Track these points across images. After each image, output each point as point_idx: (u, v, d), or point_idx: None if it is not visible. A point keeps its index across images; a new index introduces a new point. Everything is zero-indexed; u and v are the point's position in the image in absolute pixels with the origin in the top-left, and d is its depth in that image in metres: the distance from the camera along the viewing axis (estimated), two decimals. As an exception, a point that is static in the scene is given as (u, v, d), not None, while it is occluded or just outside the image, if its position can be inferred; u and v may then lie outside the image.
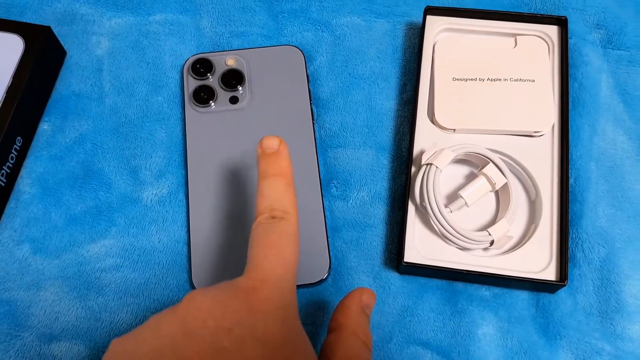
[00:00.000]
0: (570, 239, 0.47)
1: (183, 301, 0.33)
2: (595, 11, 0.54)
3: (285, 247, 0.35)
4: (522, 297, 0.46)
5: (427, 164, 0.46)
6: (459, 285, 0.46)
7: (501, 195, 0.47)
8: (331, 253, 0.47)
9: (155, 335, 0.32)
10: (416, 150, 0.48)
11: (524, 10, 0.55)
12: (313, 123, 0.50)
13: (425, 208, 0.45)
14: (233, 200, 0.47)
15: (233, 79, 0.51)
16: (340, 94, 0.52)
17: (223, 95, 0.51)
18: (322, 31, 0.55)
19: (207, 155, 0.49)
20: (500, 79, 0.50)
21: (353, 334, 0.36)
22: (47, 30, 0.51)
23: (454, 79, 0.50)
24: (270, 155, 0.39)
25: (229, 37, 0.54)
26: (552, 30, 0.52)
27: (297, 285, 0.45)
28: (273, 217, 0.36)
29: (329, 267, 0.45)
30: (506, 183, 0.46)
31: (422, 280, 0.46)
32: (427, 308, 0.45)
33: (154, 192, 0.49)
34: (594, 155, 0.49)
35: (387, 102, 0.52)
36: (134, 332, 0.33)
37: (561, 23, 0.51)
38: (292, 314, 0.34)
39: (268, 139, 0.39)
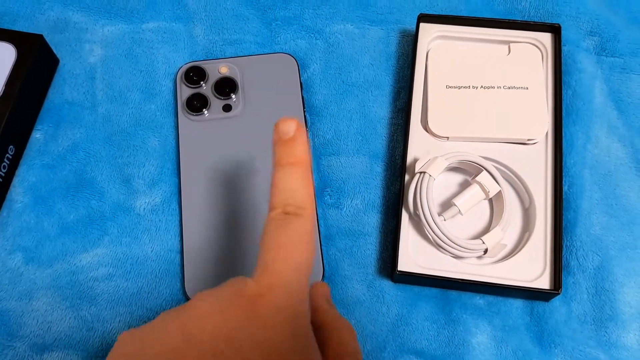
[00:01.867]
0: (564, 247, 0.47)
1: (188, 303, 0.32)
2: (589, 18, 0.54)
3: (296, 248, 0.32)
4: (517, 305, 0.46)
5: (421, 172, 0.46)
6: (453, 294, 0.46)
7: (495, 203, 0.47)
8: (325, 261, 0.46)
9: (159, 338, 0.31)
10: (410, 158, 0.48)
11: (518, 17, 0.55)
12: (306, 131, 0.50)
13: (418, 216, 0.45)
14: (226, 208, 0.47)
15: (226, 87, 0.51)
16: (334, 102, 0.52)
17: (216, 103, 0.50)
18: (315, 39, 0.55)
19: (200, 164, 0.49)
20: (493, 87, 0.50)
21: (337, 329, 0.36)
22: (39, 38, 0.50)
23: (448, 87, 0.50)
24: (285, 141, 0.34)
25: (222, 45, 0.54)
26: (546, 38, 0.52)
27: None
28: (286, 213, 0.33)
29: (323, 277, 0.45)
30: (500, 191, 0.46)
31: (416, 288, 0.46)
32: (421, 317, 0.45)
33: (147, 200, 0.49)
34: (588, 163, 0.49)
35: (381, 110, 0.52)
36: (143, 331, 0.32)
37: (554, 30, 0.51)
38: (300, 322, 0.32)
39: (284, 122, 0.35)
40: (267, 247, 0.32)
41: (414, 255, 0.45)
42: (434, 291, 0.46)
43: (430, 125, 0.48)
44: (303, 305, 0.32)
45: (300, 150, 0.34)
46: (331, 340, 0.35)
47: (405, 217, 0.46)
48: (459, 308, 0.45)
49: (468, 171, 0.48)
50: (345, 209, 0.49)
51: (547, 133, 0.48)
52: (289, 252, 0.32)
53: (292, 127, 0.34)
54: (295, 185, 0.34)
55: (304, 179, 0.34)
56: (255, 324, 0.30)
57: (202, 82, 0.51)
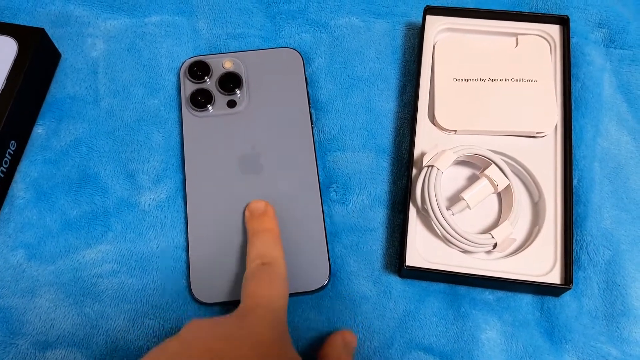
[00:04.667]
0: (574, 241, 0.46)
1: (182, 328, 0.37)
2: (597, 10, 0.54)
3: (275, 282, 0.40)
4: (526, 300, 0.45)
5: (428, 166, 0.45)
6: (462, 289, 0.45)
7: (504, 197, 0.47)
8: (331, 258, 0.46)
9: (158, 356, 0.35)
10: (417, 152, 0.47)
11: (525, 9, 0.54)
12: (312, 126, 0.49)
13: (426, 211, 0.44)
14: (231, 204, 0.46)
15: (231, 82, 0.50)
16: (339, 96, 0.52)
17: (220, 99, 0.50)
18: (320, 32, 0.54)
19: (205, 160, 0.48)
20: (501, 79, 0.49)
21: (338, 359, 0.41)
22: (41, 32, 0.50)
23: (455, 80, 0.49)
24: (258, 216, 0.45)
25: (225, 39, 0.54)
26: (554, 30, 0.51)
27: (298, 293, 0.44)
28: (263, 264, 0.41)
29: (329, 274, 0.45)
30: (509, 185, 0.45)
31: (424, 284, 0.46)
32: (429, 312, 0.45)
33: (152, 196, 0.48)
34: (598, 156, 0.49)
35: (387, 104, 0.51)
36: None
37: (563, 22, 0.51)
38: (283, 329, 0.38)
39: (255, 203, 0.46)
40: (251, 281, 0.40)
41: (421, 250, 0.45)
42: (442, 286, 0.45)
43: (438, 118, 0.48)
44: (283, 320, 0.39)
45: (271, 221, 0.45)
46: None
47: (412, 211, 0.46)
48: (467, 303, 0.45)
49: (476, 165, 0.47)
50: (351, 204, 0.48)
51: (556, 126, 0.48)
52: (270, 283, 0.40)
53: (262, 205, 0.46)
54: (269, 245, 0.43)
55: (277, 242, 0.43)
56: (246, 329, 0.36)
57: (206, 77, 0.50)
